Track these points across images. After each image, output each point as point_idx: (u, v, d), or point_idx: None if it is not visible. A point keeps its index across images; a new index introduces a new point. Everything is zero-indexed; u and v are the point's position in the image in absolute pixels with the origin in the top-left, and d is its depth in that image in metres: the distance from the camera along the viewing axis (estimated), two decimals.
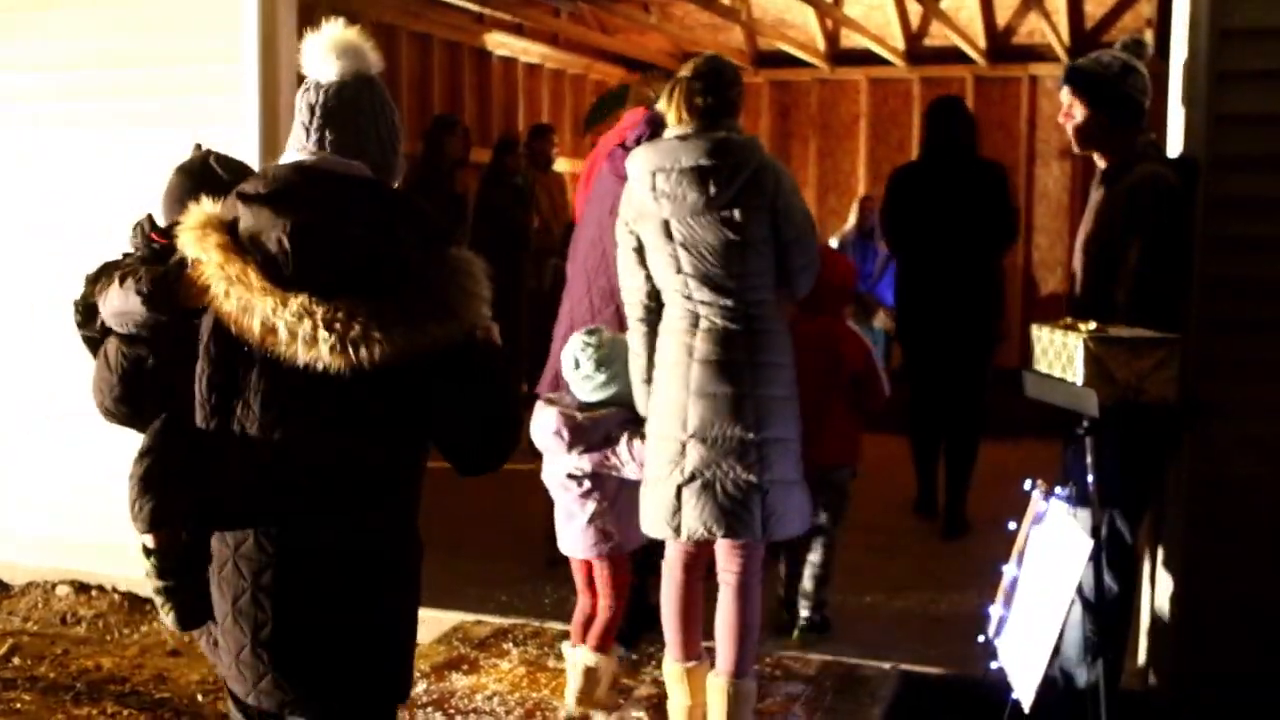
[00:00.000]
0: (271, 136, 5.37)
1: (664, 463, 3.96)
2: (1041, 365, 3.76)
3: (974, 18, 10.71)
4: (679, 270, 3.93)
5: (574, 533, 4.34)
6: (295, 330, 2.42)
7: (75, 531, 5.86)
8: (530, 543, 5.77)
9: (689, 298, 3.93)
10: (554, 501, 4.41)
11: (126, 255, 3.11)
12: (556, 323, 4.88)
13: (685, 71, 3.99)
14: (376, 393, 2.49)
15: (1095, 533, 3.53)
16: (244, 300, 2.46)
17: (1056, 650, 3.66)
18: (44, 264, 5.82)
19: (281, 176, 2.59)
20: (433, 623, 5.18)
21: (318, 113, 2.62)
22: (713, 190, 3.85)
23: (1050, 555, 3.66)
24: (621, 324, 4.31)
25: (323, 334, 2.41)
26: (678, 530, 3.94)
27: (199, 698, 4.74)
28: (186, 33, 5.46)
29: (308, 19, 7.69)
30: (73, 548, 5.87)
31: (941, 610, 5.36)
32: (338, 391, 2.47)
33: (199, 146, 3.34)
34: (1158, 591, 4.47)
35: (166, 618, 2.79)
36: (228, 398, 2.55)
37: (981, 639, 4.04)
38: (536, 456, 4.41)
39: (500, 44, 10.80)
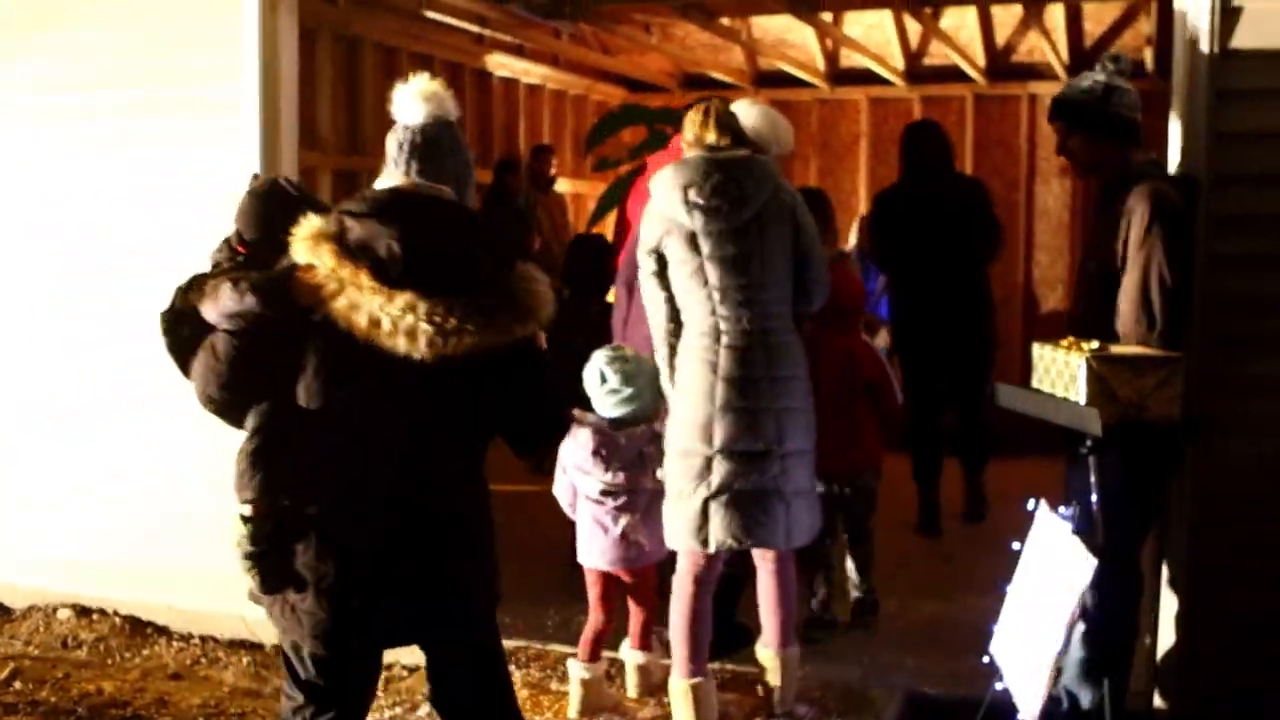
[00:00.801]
0: (272, 155, 5.38)
1: (690, 478, 4.11)
2: (1044, 384, 3.76)
3: (973, 37, 10.72)
4: (705, 283, 4.10)
5: (606, 546, 4.48)
6: (399, 323, 2.84)
7: (77, 554, 5.86)
8: (533, 565, 5.76)
9: (712, 312, 4.11)
10: (578, 518, 4.55)
11: (215, 266, 3.63)
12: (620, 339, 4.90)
13: (702, 107, 4.31)
14: (457, 380, 2.92)
15: (1098, 552, 3.52)
16: (353, 298, 2.87)
17: (1060, 670, 3.65)
18: (44, 268, 5.84)
19: (382, 198, 3.04)
20: None
21: (405, 148, 3.11)
22: (744, 202, 4.09)
23: (1054, 574, 3.65)
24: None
25: (423, 326, 2.84)
26: (705, 542, 4.11)
27: None
28: (188, 52, 5.46)
29: (309, 39, 7.74)
30: (74, 571, 5.86)
31: (945, 630, 5.34)
32: (425, 379, 2.89)
33: (256, 176, 3.88)
34: (1161, 610, 4.45)
35: (251, 582, 3.12)
36: (329, 383, 2.96)
37: (985, 659, 4.02)
38: (543, 478, 4.43)
39: (501, 65, 10.81)
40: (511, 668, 4.84)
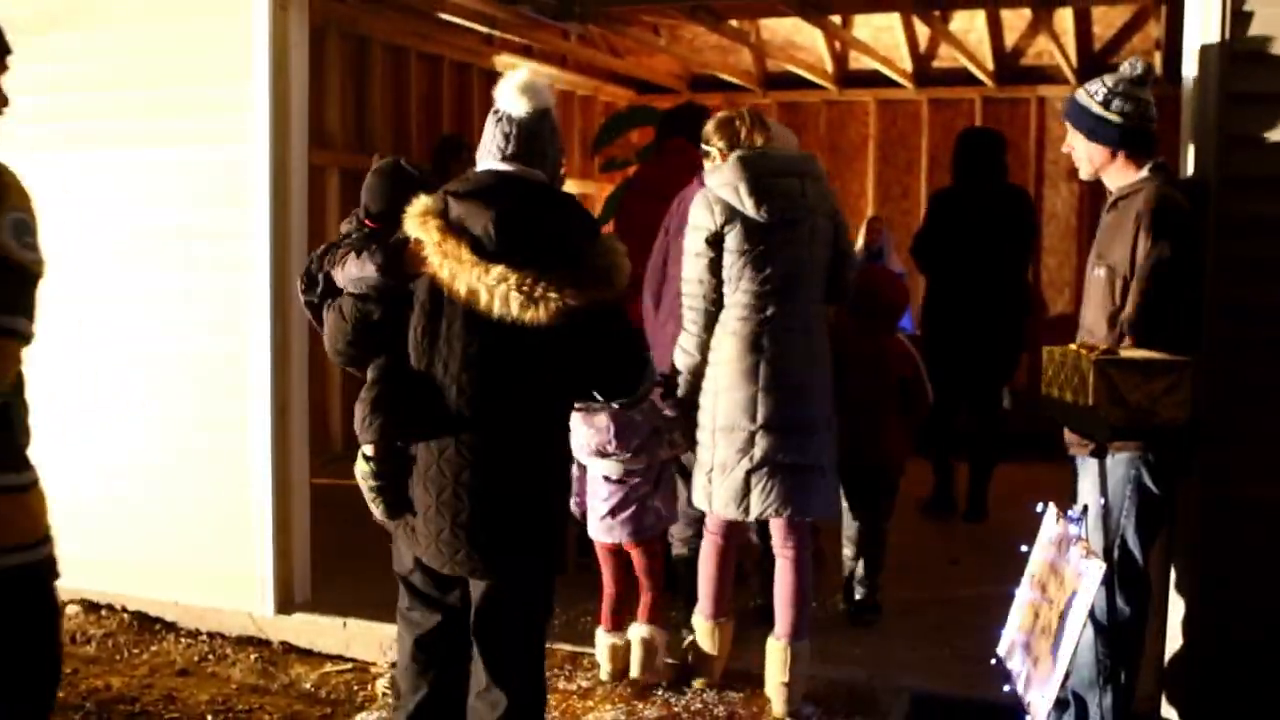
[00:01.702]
0: (282, 153, 5.39)
1: (733, 451, 4.41)
2: (1053, 388, 3.76)
3: (982, 40, 10.72)
4: (760, 270, 4.37)
5: (630, 520, 4.75)
6: (494, 291, 3.26)
7: (84, 550, 5.86)
8: None
9: (763, 297, 4.37)
10: (592, 499, 4.80)
11: (344, 235, 4.10)
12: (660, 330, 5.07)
13: (730, 111, 4.63)
14: (546, 338, 3.32)
15: (1107, 555, 3.52)
16: (454, 269, 3.29)
17: (1068, 673, 3.65)
18: (51, 268, 5.83)
19: (483, 180, 3.46)
20: None
21: (505, 137, 3.49)
22: (805, 197, 4.41)
23: (1062, 578, 3.65)
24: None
25: (514, 294, 3.25)
26: (746, 511, 4.44)
27: (208, 718, 4.73)
28: (198, 52, 5.48)
29: (318, 38, 7.74)
30: (82, 567, 5.85)
31: (953, 632, 5.33)
32: (518, 338, 3.31)
33: (378, 156, 4.33)
34: (1170, 614, 4.45)
35: (377, 509, 3.57)
36: (435, 343, 3.40)
37: (994, 661, 4.03)
38: None
39: (509, 65, 10.81)
40: None
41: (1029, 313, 7.48)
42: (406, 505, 3.50)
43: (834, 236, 4.51)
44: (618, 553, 4.86)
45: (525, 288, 3.27)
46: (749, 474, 4.39)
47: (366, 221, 4.13)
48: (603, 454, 4.68)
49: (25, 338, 2.57)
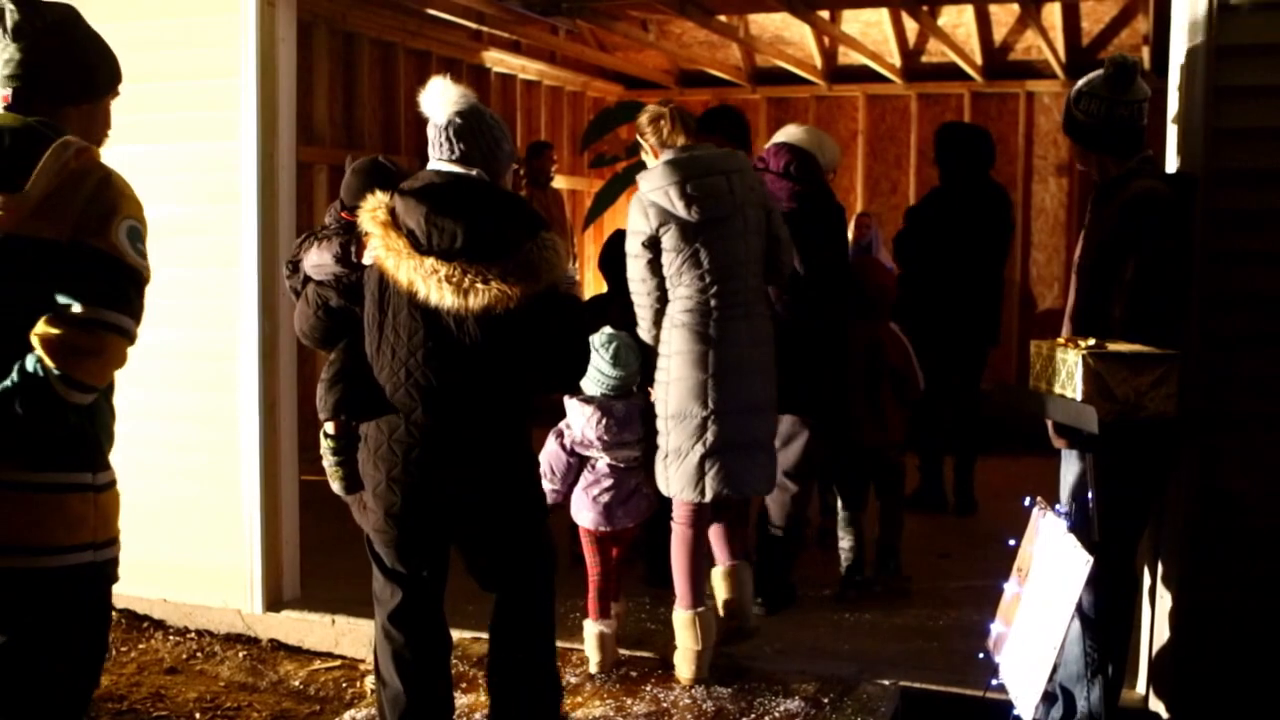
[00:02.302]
0: (269, 149, 5.38)
1: (687, 437, 4.59)
2: (1041, 381, 3.76)
3: (971, 34, 10.73)
4: (698, 265, 4.55)
5: (630, 505, 4.89)
6: (427, 281, 3.51)
7: None
8: None
9: (704, 290, 4.56)
10: (598, 491, 4.86)
11: (323, 227, 4.32)
12: None
13: (660, 107, 4.75)
14: (482, 326, 3.55)
15: (1094, 549, 3.53)
16: (396, 261, 3.55)
17: (1056, 667, 3.66)
18: None
19: (425, 178, 3.70)
20: None
21: (439, 140, 3.71)
22: (732, 192, 4.58)
23: (1050, 572, 3.66)
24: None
25: (445, 284, 3.49)
26: (702, 493, 4.61)
27: (196, 715, 4.73)
28: (186, 49, 5.47)
29: (306, 34, 7.71)
30: None
31: (941, 626, 5.35)
32: (456, 324, 3.55)
33: (351, 156, 4.60)
34: (1157, 608, 4.46)
35: (335, 484, 3.96)
36: (383, 329, 3.64)
37: (982, 655, 4.03)
38: None
39: (498, 61, 10.82)
40: None
41: (999, 308, 7.50)
42: (359, 483, 3.80)
43: (766, 225, 4.71)
44: (606, 540, 4.92)
45: (454, 278, 3.49)
46: (703, 458, 4.57)
47: (343, 214, 4.31)
48: (615, 444, 4.77)
49: (132, 338, 2.72)
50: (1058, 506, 3.82)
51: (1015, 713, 3.66)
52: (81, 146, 2.75)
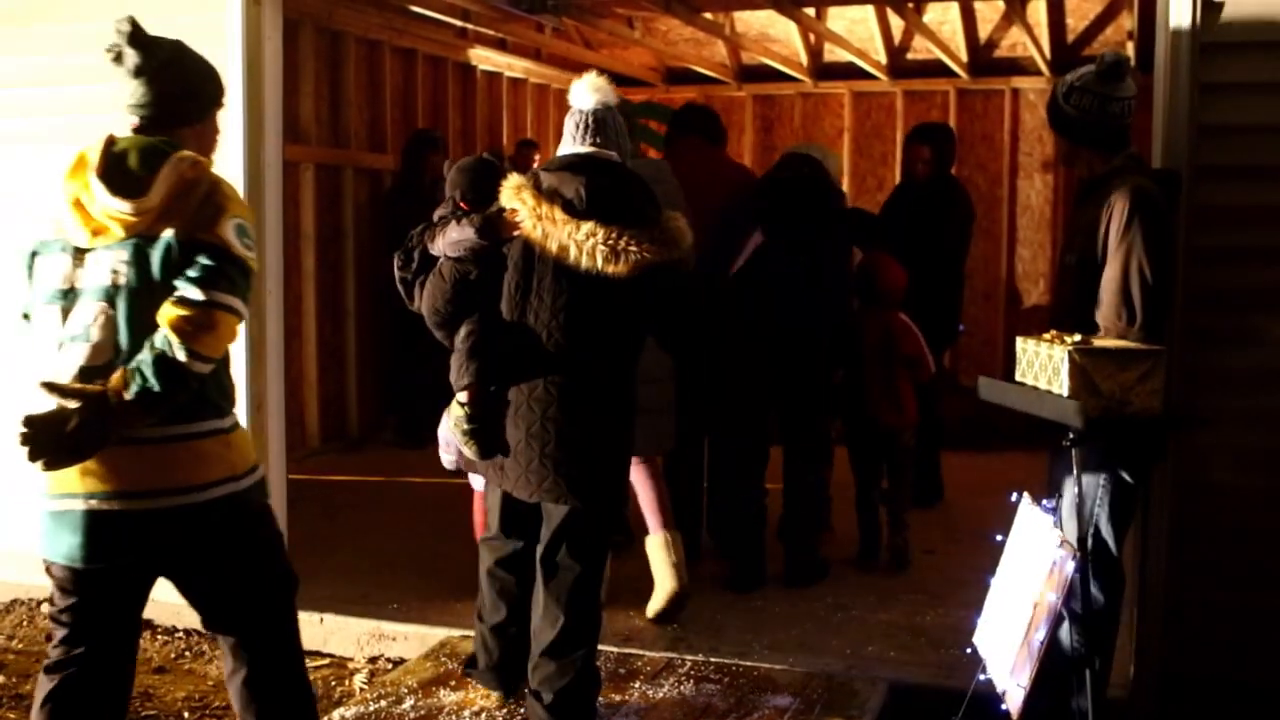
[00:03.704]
0: (256, 148, 5.36)
1: None
2: (1027, 377, 3.77)
3: (956, 31, 10.74)
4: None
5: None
6: (583, 246, 3.89)
7: None
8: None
9: None
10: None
11: (441, 218, 4.52)
12: None
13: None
14: (624, 291, 3.98)
15: (1081, 543, 3.54)
16: (547, 229, 3.93)
17: (1043, 662, 3.67)
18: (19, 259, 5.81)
19: (569, 158, 4.15)
20: (419, 638, 5.18)
21: (582, 126, 4.17)
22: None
23: (1036, 567, 3.67)
24: None
25: (601, 248, 3.89)
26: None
27: (185, 715, 4.72)
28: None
29: (292, 33, 7.66)
30: None
31: (929, 621, 5.36)
32: (599, 290, 3.96)
33: (464, 158, 4.97)
34: (1143, 601, 4.48)
35: (469, 451, 4.17)
36: (527, 295, 4.02)
37: (969, 650, 4.04)
38: None
39: (484, 59, 10.81)
40: None
41: (957, 305, 7.61)
42: (497, 447, 4.10)
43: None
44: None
45: (610, 242, 3.90)
46: None
47: (461, 204, 4.66)
48: None
49: (242, 316, 3.18)
50: (1044, 501, 3.84)
51: (1003, 707, 3.67)
52: (194, 159, 3.24)
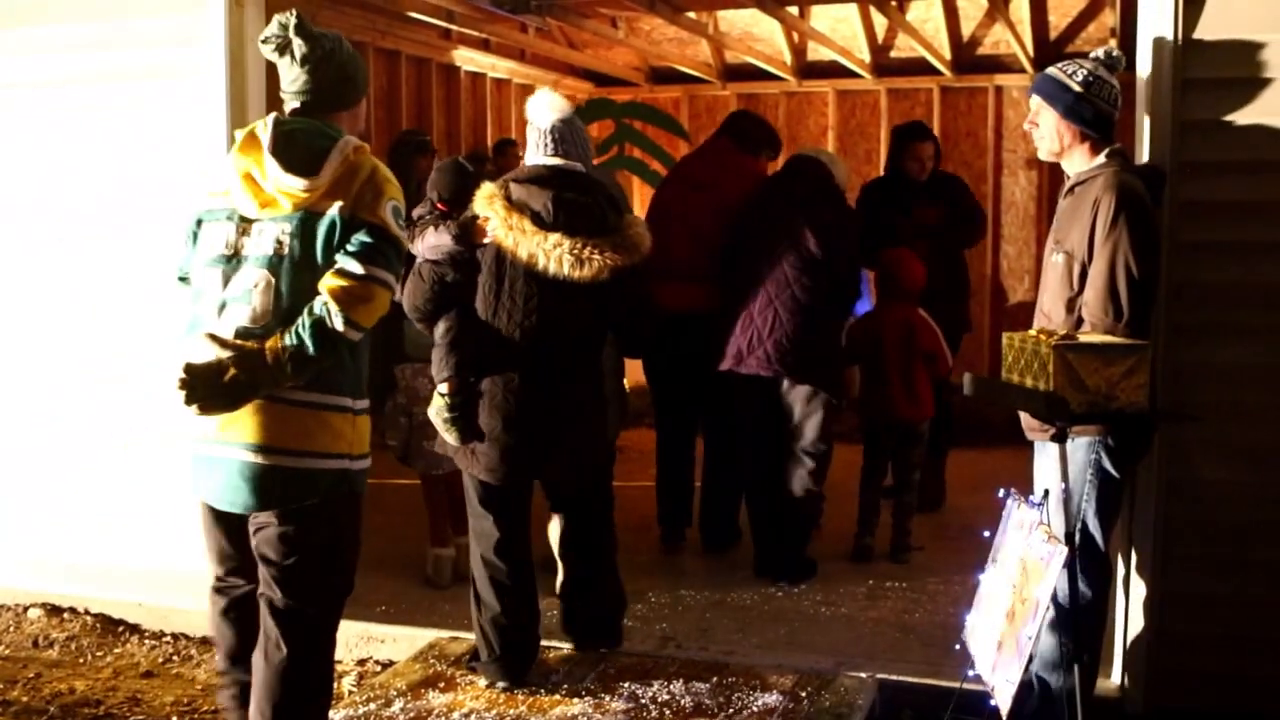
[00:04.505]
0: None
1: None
2: (1014, 373, 3.78)
3: (939, 29, 10.76)
4: None
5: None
6: (550, 254, 4.26)
7: (47, 554, 5.83)
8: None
9: None
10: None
11: (420, 217, 4.87)
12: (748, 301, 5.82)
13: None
14: (589, 292, 4.34)
15: (1068, 539, 3.55)
16: (517, 238, 4.28)
17: (1032, 657, 3.68)
18: (11, 261, 5.81)
19: (537, 170, 4.47)
20: (408, 640, 5.17)
21: (545, 139, 4.47)
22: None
23: (1025, 562, 3.68)
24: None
25: (567, 256, 4.25)
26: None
27: (173, 719, 4.71)
28: (158, 47, 5.42)
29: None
30: (43, 569, 5.83)
31: (918, 619, 5.36)
32: (567, 291, 4.31)
33: (443, 158, 5.61)
34: (1131, 596, 4.49)
35: (450, 437, 4.49)
36: (499, 297, 4.37)
37: (958, 647, 4.05)
38: None
39: (468, 59, 10.80)
40: None
41: (965, 296, 7.54)
42: (474, 433, 4.42)
43: None
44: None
45: (575, 251, 4.25)
46: None
47: (438, 205, 4.95)
48: None
49: (394, 290, 3.48)
50: (1031, 498, 3.85)
51: (992, 703, 3.68)
52: (359, 144, 3.55)
